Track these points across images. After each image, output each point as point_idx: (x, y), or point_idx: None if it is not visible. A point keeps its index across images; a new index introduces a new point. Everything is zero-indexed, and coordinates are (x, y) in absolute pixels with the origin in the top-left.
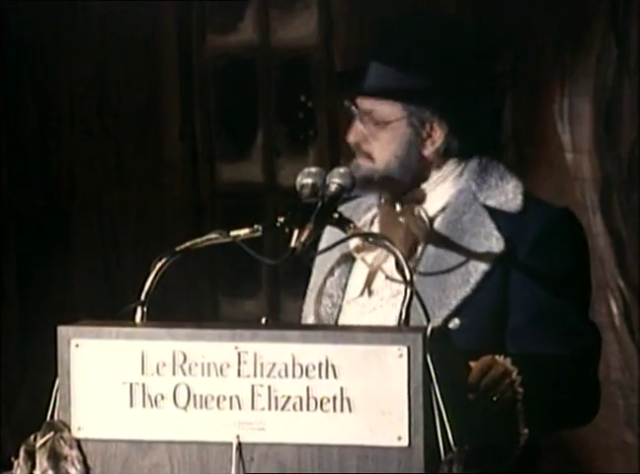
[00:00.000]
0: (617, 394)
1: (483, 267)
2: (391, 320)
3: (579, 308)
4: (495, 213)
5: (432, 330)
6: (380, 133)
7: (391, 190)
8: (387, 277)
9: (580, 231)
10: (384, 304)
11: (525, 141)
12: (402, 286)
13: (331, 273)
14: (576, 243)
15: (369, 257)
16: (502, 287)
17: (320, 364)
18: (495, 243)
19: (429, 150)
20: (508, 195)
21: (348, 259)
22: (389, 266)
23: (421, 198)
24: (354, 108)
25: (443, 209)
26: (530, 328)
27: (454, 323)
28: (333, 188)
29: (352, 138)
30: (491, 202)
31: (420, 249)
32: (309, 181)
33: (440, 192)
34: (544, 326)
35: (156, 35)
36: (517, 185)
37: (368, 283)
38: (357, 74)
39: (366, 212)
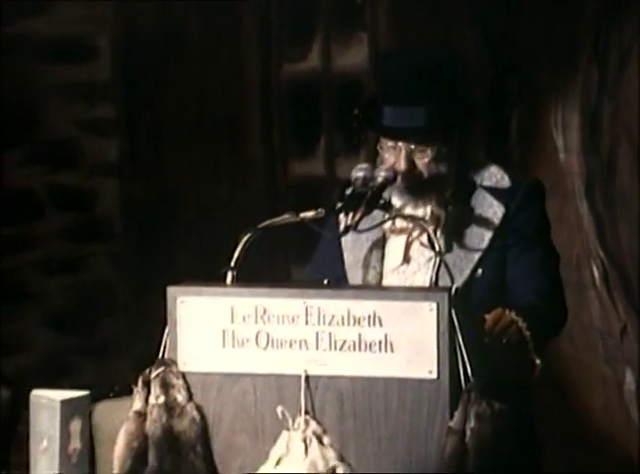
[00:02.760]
0: (597, 338)
1: (490, 228)
2: (426, 282)
3: (551, 253)
4: (491, 190)
5: (455, 290)
6: (422, 155)
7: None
8: (422, 244)
9: (544, 191)
10: (420, 270)
11: (528, 145)
12: (432, 254)
13: (370, 250)
14: (543, 198)
15: (403, 234)
16: (503, 245)
17: (369, 316)
18: (497, 209)
19: (442, 164)
20: (497, 176)
21: (381, 239)
22: (422, 240)
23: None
24: (401, 144)
25: (455, 195)
26: (520, 275)
27: (478, 273)
28: (379, 179)
29: (404, 165)
30: (487, 183)
31: (442, 223)
32: (361, 174)
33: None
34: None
35: (244, 63)
36: (497, 168)
37: (406, 255)
38: (378, 118)
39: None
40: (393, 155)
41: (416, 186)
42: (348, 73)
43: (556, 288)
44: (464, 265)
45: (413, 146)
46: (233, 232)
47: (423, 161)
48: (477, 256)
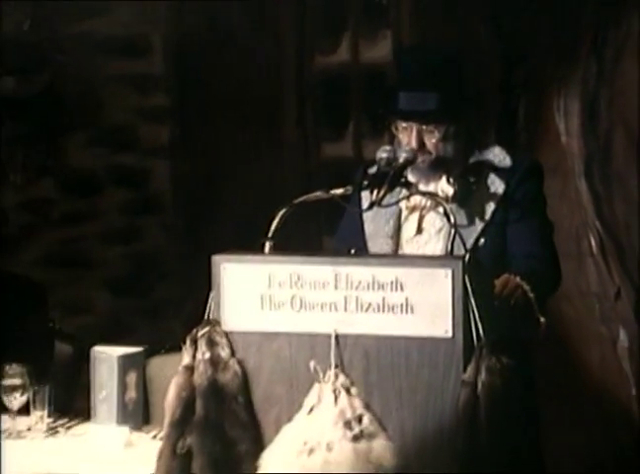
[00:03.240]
0: (594, 300)
1: (493, 202)
2: (436, 250)
3: (545, 223)
4: (494, 168)
5: (468, 258)
6: (430, 136)
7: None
8: (443, 214)
9: (542, 170)
10: (431, 240)
11: (534, 129)
12: (442, 225)
13: (387, 222)
14: (540, 176)
15: (417, 209)
16: (503, 221)
17: (392, 281)
18: (498, 186)
19: (454, 144)
20: (499, 156)
21: (397, 212)
22: (432, 214)
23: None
24: (399, 123)
25: (462, 173)
26: (516, 241)
27: (481, 242)
28: (401, 160)
29: (414, 144)
30: (492, 159)
31: (450, 198)
32: (385, 155)
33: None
34: (529, 237)
35: (281, 56)
36: (500, 149)
37: (419, 226)
38: (395, 103)
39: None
40: (406, 135)
41: (427, 164)
42: (373, 65)
43: (551, 254)
44: (468, 235)
45: (424, 127)
46: (271, 207)
47: (431, 141)
48: (480, 227)
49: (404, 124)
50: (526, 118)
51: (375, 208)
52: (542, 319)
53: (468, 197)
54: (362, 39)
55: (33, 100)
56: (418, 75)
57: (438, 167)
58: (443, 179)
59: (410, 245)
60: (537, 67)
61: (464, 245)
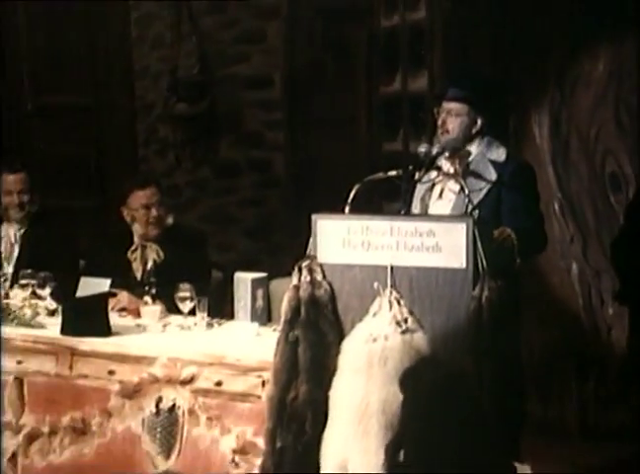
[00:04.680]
0: (557, 244)
1: (488, 185)
2: (448, 211)
3: (533, 207)
4: (492, 162)
5: (478, 217)
6: (454, 120)
7: (455, 148)
8: (452, 187)
9: (532, 170)
10: (449, 204)
11: (519, 134)
12: (455, 195)
13: (424, 192)
14: (530, 175)
15: (440, 183)
16: (497, 196)
17: (427, 231)
18: (492, 173)
19: (473, 131)
20: (499, 153)
21: (430, 186)
22: (448, 187)
23: (466, 153)
24: (442, 108)
25: (472, 159)
26: (511, 214)
27: (475, 213)
28: (433, 153)
29: (440, 122)
30: (491, 156)
31: (459, 177)
32: (423, 150)
33: (472, 151)
34: (517, 214)
35: (357, 86)
36: (503, 149)
37: (441, 194)
38: (444, 93)
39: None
40: (440, 118)
41: (448, 148)
42: (416, 93)
43: (538, 222)
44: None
45: (452, 109)
46: (350, 184)
47: (454, 123)
48: (476, 201)
49: (442, 109)
50: (514, 127)
51: (419, 184)
52: (518, 260)
53: (470, 177)
54: (409, 75)
55: (197, 117)
56: (458, 78)
57: (455, 152)
58: (457, 163)
59: (435, 207)
60: (522, 93)
61: (474, 209)
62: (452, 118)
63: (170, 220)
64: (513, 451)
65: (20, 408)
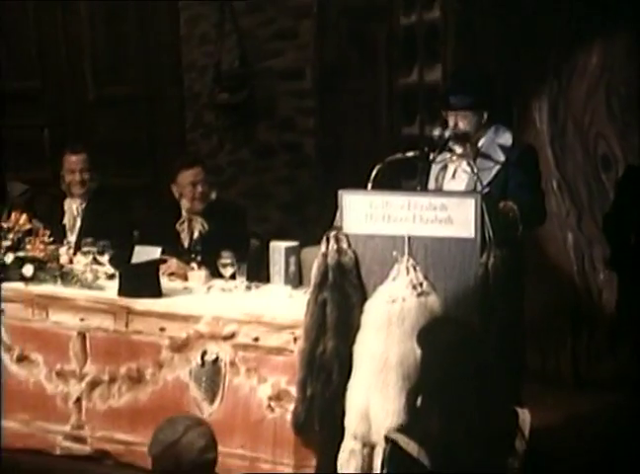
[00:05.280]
0: (554, 217)
1: (497, 165)
2: (461, 188)
3: (535, 184)
4: (501, 146)
5: (486, 193)
6: (463, 119)
7: (466, 135)
8: (467, 168)
9: (536, 153)
10: (462, 183)
11: (522, 119)
12: (467, 175)
13: (439, 171)
14: (533, 157)
15: (453, 164)
16: (504, 176)
17: (440, 205)
18: (500, 155)
19: (482, 122)
20: (506, 138)
21: (444, 166)
22: (461, 168)
23: (476, 139)
24: (449, 113)
25: (482, 144)
26: (516, 191)
27: (486, 189)
28: (446, 135)
29: (452, 124)
30: (499, 141)
31: (471, 159)
32: (437, 133)
33: (482, 136)
34: (522, 190)
35: (379, 77)
36: (510, 135)
37: (454, 174)
38: (449, 99)
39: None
40: (450, 119)
41: (460, 136)
42: (431, 83)
43: (539, 197)
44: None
45: (459, 114)
46: (372, 163)
47: (463, 122)
48: (486, 181)
49: (450, 112)
50: (517, 113)
51: (433, 164)
52: (520, 228)
53: (480, 160)
54: (425, 68)
55: (238, 105)
56: (459, 85)
57: (466, 140)
58: (468, 146)
59: (449, 184)
60: (524, 84)
61: (482, 186)
62: (461, 117)
63: (213, 196)
64: (514, 397)
65: (83, 359)
